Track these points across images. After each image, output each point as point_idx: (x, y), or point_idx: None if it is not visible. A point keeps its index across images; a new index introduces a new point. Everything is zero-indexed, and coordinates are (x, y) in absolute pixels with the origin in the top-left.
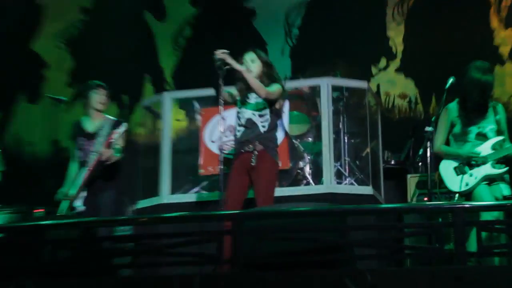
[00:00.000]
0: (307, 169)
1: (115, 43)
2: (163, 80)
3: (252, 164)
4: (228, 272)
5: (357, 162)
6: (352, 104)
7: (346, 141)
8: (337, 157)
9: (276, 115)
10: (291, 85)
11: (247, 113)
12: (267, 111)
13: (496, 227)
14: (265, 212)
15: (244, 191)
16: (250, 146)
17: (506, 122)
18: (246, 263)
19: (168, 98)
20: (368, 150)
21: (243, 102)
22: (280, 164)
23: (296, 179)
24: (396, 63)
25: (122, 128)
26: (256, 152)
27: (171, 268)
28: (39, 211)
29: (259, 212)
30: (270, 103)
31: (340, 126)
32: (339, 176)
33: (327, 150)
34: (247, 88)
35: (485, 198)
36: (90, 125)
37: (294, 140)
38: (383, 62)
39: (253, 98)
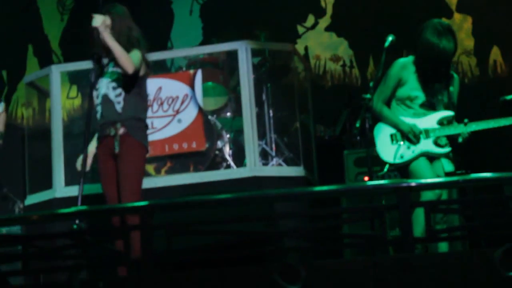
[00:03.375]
0: (227, 150)
1: None
2: (49, 50)
3: (116, 151)
4: (140, 274)
5: (285, 139)
6: (277, 71)
7: (271, 114)
8: (262, 134)
9: (138, 87)
10: (203, 50)
11: (103, 87)
12: (121, 84)
13: (445, 207)
14: (179, 203)
15: (116, 179)
16: (112, 129)
17: (458, 97)
18: (158, 262)
19: (57, 72)
20: (298, 124)
21: (101, 72)
22: (149, 149)
23: (214, 162)
24: (326, 21)
25: None
26: (117, 137)
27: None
28: None
29: (172, 202)
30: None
31: (264, 97)
32: (264, 156)
33: (249, 127)
34: (107, 53)
35: (426, 173)
36: None
37: (209, 117)
38: (310, 19)
39: (111, 66)
